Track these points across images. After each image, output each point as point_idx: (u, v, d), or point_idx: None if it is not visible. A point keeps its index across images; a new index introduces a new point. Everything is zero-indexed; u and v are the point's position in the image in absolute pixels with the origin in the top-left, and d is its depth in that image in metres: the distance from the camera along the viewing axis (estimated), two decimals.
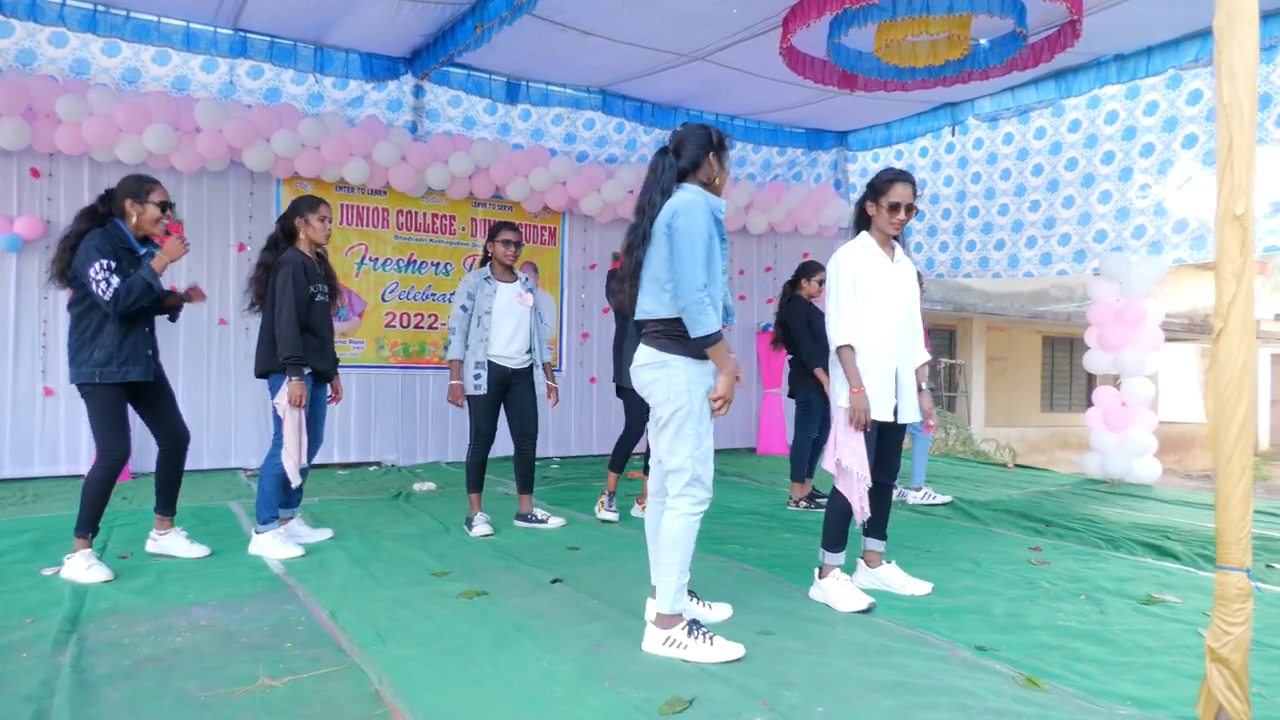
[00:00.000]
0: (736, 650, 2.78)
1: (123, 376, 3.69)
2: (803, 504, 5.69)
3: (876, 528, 3.71)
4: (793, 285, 5.81)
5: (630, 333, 5.17)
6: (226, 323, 7.00)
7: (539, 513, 4.99)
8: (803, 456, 5.70)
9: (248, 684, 2.50)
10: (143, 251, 3.78)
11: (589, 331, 8.63)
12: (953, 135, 8.70)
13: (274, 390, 4.11)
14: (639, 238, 2.90)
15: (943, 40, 6.14)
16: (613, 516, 5.23)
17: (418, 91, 7.56)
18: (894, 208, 3.46)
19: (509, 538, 4.59)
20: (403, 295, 7.65)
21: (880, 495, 3.66)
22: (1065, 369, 17.75)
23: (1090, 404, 7.50)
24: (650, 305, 2.90)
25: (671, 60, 7.20)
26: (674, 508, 2.84)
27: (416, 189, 7.43)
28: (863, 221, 3.61)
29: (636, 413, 5.17)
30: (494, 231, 4.85)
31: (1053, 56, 6.15)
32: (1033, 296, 15.35)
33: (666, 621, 2.82)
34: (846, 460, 3.41)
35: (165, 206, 3.82)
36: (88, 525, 3.70)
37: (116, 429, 3.72)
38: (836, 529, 3.49)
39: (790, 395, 5.87)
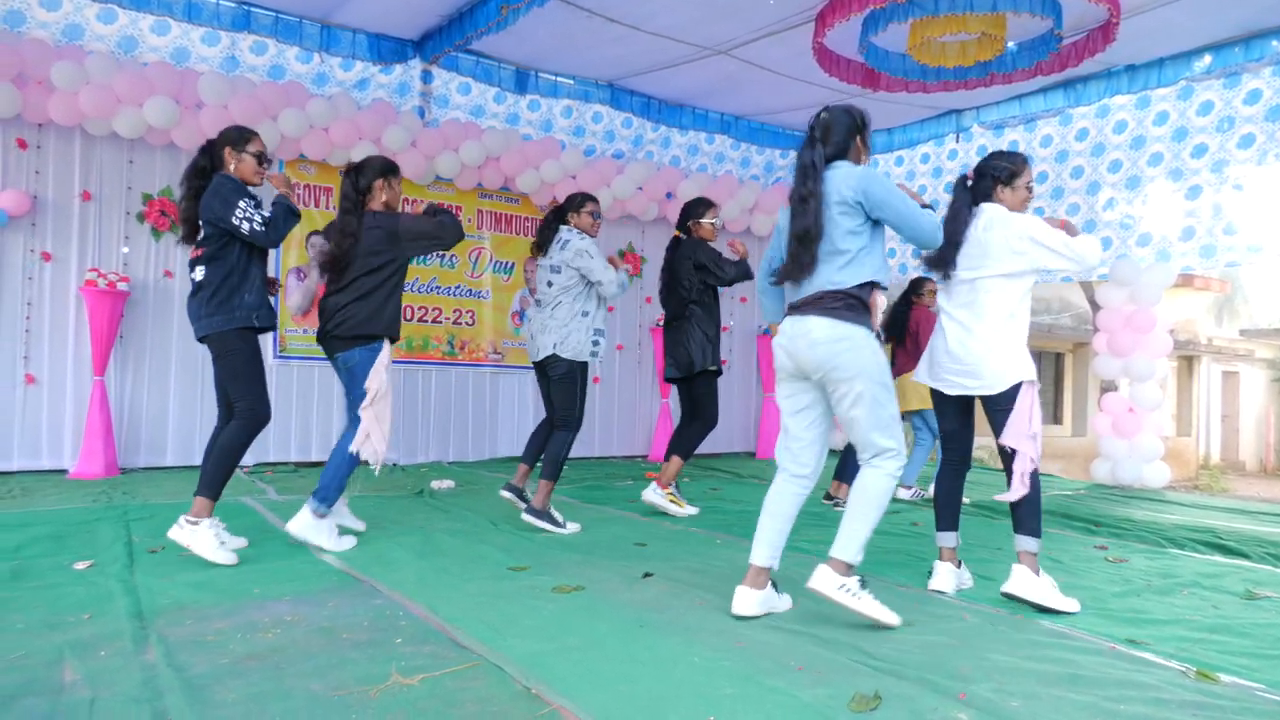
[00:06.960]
0: (896, 618, 2.83)
1: (269, 320, 3.54)
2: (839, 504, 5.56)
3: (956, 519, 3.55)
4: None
5: (685, 322, 4.93)
6: None
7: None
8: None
9: (379, 683, 2.23)
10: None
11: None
12: (956, 142, 8.74)
13: (362, 360, 3.75)
14: (811, 219, 2.84)
15: (974, 41, 6.13)
16: (692, 510, 5.02)
17: (426, 76, 7.27)
18: (1029, 188, 3.35)
19: (562, 534, 4.34)
20: (406, 287, 7.26)
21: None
22: (1044, 380, 17.93)
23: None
24: (832, 275, 2.87)
25: (691, 54, 7.05)
26: (879, 467, 2.91)
27: (424, 177, 7.13)
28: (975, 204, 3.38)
29: (711, 399, 4.91)
30: (579, 202, 4.56)
31: (1080, 61, 6.17)
32: None
33: (844, 568, 2.86)
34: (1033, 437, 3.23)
35: (262, 158, 3.61)
36: (218, 489, 3.49)
37: (262, 382, 3.55)
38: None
39: None
